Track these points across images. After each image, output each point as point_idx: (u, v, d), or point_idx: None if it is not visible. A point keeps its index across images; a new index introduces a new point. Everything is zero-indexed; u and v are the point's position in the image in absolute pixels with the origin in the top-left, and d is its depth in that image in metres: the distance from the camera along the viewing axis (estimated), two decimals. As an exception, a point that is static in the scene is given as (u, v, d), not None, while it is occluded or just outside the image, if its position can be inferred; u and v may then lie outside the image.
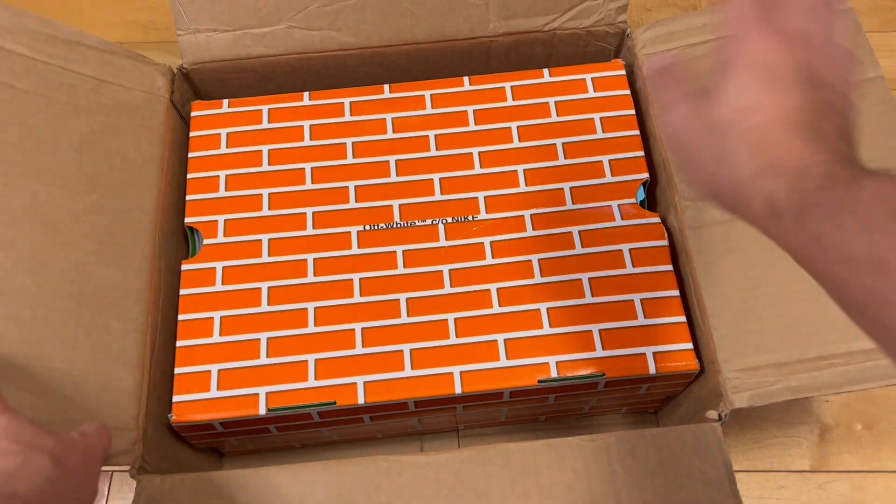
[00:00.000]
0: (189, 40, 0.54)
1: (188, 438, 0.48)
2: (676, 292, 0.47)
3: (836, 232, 0.22)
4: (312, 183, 0.52)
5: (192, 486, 0.41)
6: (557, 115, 0.53)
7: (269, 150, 0.53)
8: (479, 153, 0.52)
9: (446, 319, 0.47)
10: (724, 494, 0.40)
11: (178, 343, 0.47)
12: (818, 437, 0.56)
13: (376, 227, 0.50)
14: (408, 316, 0.47)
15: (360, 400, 0.45)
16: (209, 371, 0.46)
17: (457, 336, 0.46)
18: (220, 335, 0.47)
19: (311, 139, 0.53)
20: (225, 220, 0.50)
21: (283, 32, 0.54)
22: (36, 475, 0.31)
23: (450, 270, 0.48)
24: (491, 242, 0.49)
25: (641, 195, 0.51)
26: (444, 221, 0.50)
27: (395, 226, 0.50)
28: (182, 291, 0.48)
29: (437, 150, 0.53)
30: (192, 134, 0.54)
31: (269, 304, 0.48)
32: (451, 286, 0.48)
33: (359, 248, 0.49)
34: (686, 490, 0.40)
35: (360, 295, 0.48)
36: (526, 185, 0.51)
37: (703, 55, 0.51)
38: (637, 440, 0.42)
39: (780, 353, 0.43)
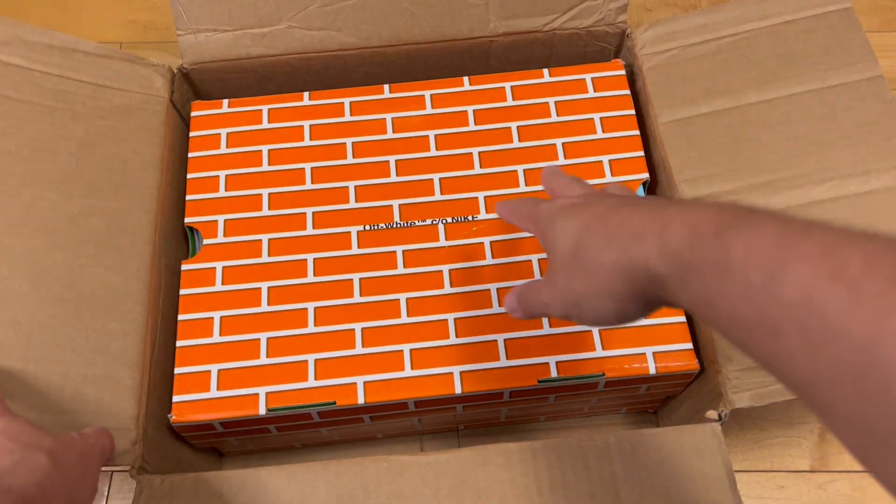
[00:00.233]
0: (189, 40, 0.54)
1: (188, 438, 0.48)
2: (676, 292, 0.47)
3: (721, 298, 0.21)
4: (312, 183, 0.52)
5: (192, 486, 0.41)
6: (557, 115, 0.53)
7: (269, 150, 0.53)
8: (479, 153, 0.52)
9: (446, 319, 0.47)
10: (724, 494, 0.40)
11: (178, 343, 0.47)
12: (818, 437, 0.56)
13: (376, 227, 0.50)
14: (408, 316, 0.47)
15: (360, 400, 0.45)
16: (209, 371, 0.46)
17: (457, 336, 0.46)
18: (220, 335, 0.47)
19: (311, 139, 0.53)
20: (225, 220, 0.50)
21: (283, 32, 0.54)
22: (32, 472, 0.31)
23: (450, 270, 0.48)
24: (491, 242, 0.49)
25: (641, 195, 0.51)
26: (444, 221, 0.50)
27: (395, 226, 0.50)
28: (182, 291, 0.48)
29: (437, 150, 0.53)
30: (191, 134, 0.54)
31: (269, 304, 0.48)
32: (451, 286, 0.48)
33: (359, 248, 0.49)
34: (686, 490, 0.40)
35: (360, 295, 0.48)
36: (526, 185, 0.51)
37: (703, 55, 0.52)
38: (637, 440, 0.42)
39: (780, 353, 0.43)
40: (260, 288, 0.48)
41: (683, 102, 0.51)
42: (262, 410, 0.45)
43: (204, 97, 0.58)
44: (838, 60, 0.50)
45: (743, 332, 0.21)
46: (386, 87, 0.55)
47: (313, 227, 0.50)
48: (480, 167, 0.52)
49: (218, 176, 0.52)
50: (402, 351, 0.46)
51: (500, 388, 0.45)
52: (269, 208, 0.51)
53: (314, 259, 0.49)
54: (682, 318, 0.46)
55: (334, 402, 0.45)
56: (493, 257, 0.49)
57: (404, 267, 0.49)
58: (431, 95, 0.54)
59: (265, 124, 0.54)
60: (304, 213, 0.50)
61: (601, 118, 0.53)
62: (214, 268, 0.49)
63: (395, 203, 0.51)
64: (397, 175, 0.52)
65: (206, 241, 0.50)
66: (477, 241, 0.49)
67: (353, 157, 0.52)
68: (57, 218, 0.45)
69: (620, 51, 0.57)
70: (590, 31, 0.56)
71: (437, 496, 0.41)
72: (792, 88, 0.50)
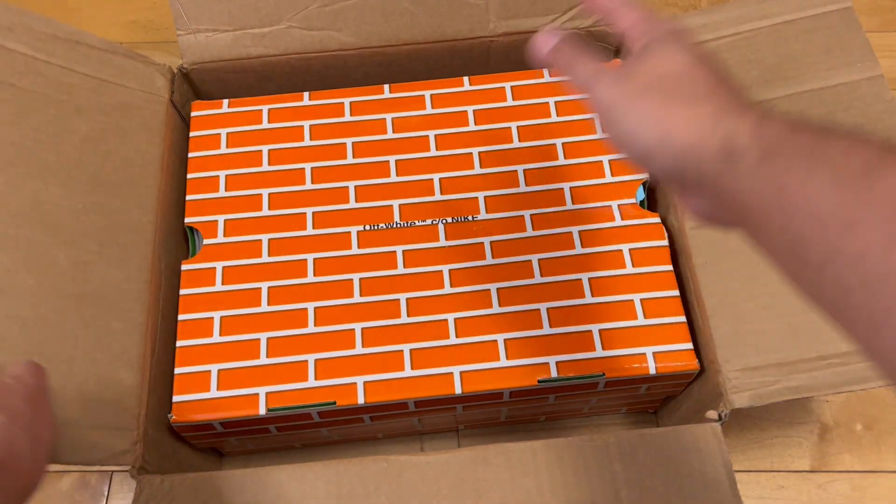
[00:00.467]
0: (189, 40, 0.54)
1: (188, 438, 0.48)
2: (676, 292, 0.47)
3: (802, 184, 0.20)
4: (312, 183, 0.52)
5: (192, 486, 0.41)
6: (557, 115, 0.53)
7: (269, 150, 0.53)
8: (479, 153, 0.52)
9: (446, 319, 0.47)
10: (724, 494, 0.40)
11: (178, 343, 0.47)
12: (818, 437, 0.56)
13: (376, 227, 0.50)
14: (408, 316, 0.47)
15: (360, 400, 0.45)
16: (209, 371, 0.46)
17: (457, 336, 0.46)
18: (220, 335, 0.47)
19: (311, 139, 0.53)
20: (225, 220, 0.50)
21: (283, 32, 0.54)
22: None
23: (450, 270, 0.48)
24: (491, 242, 0.49)
25: (641, 195, 0.51)
26: (444, 221, 0.50)
27: (395, 226, 0.50)
28: (182, 291, 0.48)
29: (437, 150, 0.53)
30: (192, 134, 0.54)
31: (269, 304, 0.48)
32: (451, 286, 0.48)
33: (359, 248, 0.49)
34: (686, 490, 0.40)
35: (360, 295, 0.48)
36: (526, 185, 0.51)
37: (703, 55, 0.51)
38: (637, 440, 0.42)
39: (780, 353, 0.43)
40: (260, 288, 0.48)
41: (683, 102, 0.50)
42: (262, 410, 0.45)
43: (204, 97, 0.58)
44: (838, 60, 0.50)
45: (811, 225, 0.20)
46: (386, 87, 0.55)
47: (313, 227, 0.50)
48: (480, 167, 0.52)
49: (218, 176, 0.52)
50: (402, 351, 0.46)
51: (500, 388, 0.45)
52: (269, 208, 0.51)
53: (314, 259, 0.49)
54: (682, 319, 0.46)
55: (334, 402, 0.45)
56: (493, 257, 0.49)
57: (404, 267, 0.49)
58: (431, 95, 0.54)
59: (265, 124, 0.54)
60: (304, 213, 0.50)
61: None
62: (214, 268, 0.49)
63: (395, 203, 0.51)
64: (397, 175, 0.52)
65: (206, 241, 0.50)
66: (477, 241, 0.49)
67: (353, 157, 0.52)
68: (61, 212, 0.45)
69: (620, 51, 0.57)
70: (590, 31, 0.56)
71: (437, 496, 0.41)
72: (792, 88, 0.50)
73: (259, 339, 0.47)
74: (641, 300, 0.47)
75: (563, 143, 0.52)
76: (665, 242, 0.49)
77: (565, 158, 0.52)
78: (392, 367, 0.46)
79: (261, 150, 0.53)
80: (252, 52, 0.55)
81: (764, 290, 0.44)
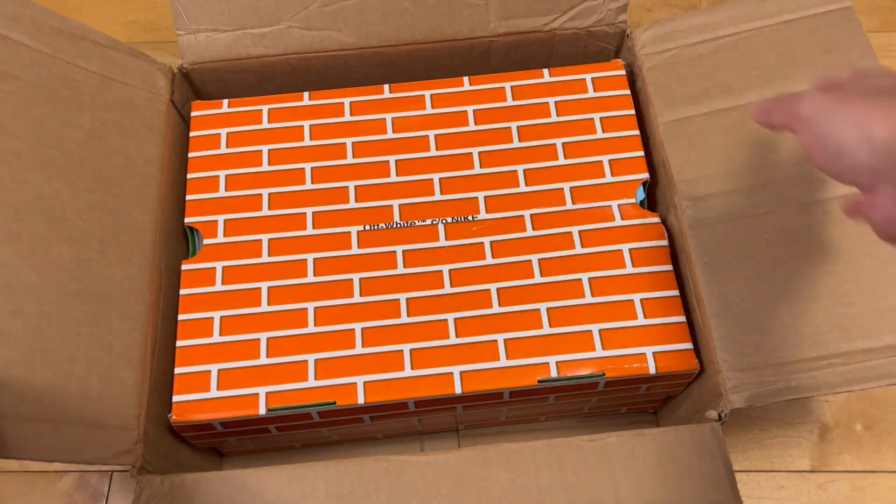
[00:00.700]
0: (189, 40, 0.54)
1: (188, 438, 0.48)
2: (676, 292, 0.47)
3: None
4: (312, 183, 0.52)
5: (192, 486, 0.41)
6: (557, 115, 0.53)
7: (269, 150, 0.53)
8: (479, 153, 0.52)
9: (446, 319, 0.47)
10: (724, 494, 0.40)
11: (178, 343, 0.47)
12: (818, 437, 0.56)
13: (376, 227, 0.50)
14: (408, 316, 0.47)
15: (360, 400, 0.45)
16: (209, 371, 0.46)
17: (457, 336, 0.46)
18: (220, 335, 0.47)
19: (311, 139, 0.53)
20: (225, 220, 0.50)
21: (283, 32, 0.54)
22: None
23: (450, 270, 0.48)
24: (491, 242, 0.49)
25: (641, 195, 0.51)
26: (444, 221, 0.50)
27: (395, 226, 0.50)
28: (182, 291, 0.48)
29: (437, 150, 0.53)
30: (192, 134, 0.54)
31: (269, 304, 0.48)
32: (451, 286, 0.48)
33: (359, 248, 0.49)
34: (686, 490, 0.40)
35: (360, 295, 0.48)
36: (526, 185, 0.51)
37: (703, 55, 0.52)
38: (637, 440, 0.42)
39: (780, 353, 0.43)
40: (260, 288, 0.48)
41: (683, 102, 0.51)
42: (262, 410, 0.45)
43: (204, 97, 0.58)
44: (838, 60, 0.50)
45: None
46: (386, 87, 0.55)
47: (313, 227, 0.50)
48: (480, 167, 0.52)
49: (218, 176, 0.52)
50: (402, 351, 0.46)
51: (500, 388, 0.45)
52: (269, 208, 0.51)
53: (314, 259, 0.49)
54: (682, 319, 0.46)
55: (334, 402, 0.45)
56: (493, 257, 0.49)
57: (404, 267, 0.49)
58: (431, 95, 0.54)
59: (265, 124, 0.54)
60: (304, 213, 0.50)
61: (601, 118, 0.53)
62: (214, 268, 0.49)
63: (395, 203, 0.51)
64: (397, 175, 0.52)
65: (206, 241, 0.50)
66: (477, 241, 0.49)
67: (353, 157, 0.52)
68: (64, 209, 0.45)
69: (620, 51, 0.58)
70: (590, 31, 0.56)
71: (437, 496, 0.41)
72: (792, 88, 0.50)
73: (259, 339, 0.47)
74: (641, 300, 0.47)
75: (563, 143, 0.52)
76: (665, 242, 0.49)
77: (565, 158, 0.52)
78: (392, 367, 0.46)
79: (261, 150, 0.53)
80: (252, 52, 0.55)
81: (764, 291, 0.44)
